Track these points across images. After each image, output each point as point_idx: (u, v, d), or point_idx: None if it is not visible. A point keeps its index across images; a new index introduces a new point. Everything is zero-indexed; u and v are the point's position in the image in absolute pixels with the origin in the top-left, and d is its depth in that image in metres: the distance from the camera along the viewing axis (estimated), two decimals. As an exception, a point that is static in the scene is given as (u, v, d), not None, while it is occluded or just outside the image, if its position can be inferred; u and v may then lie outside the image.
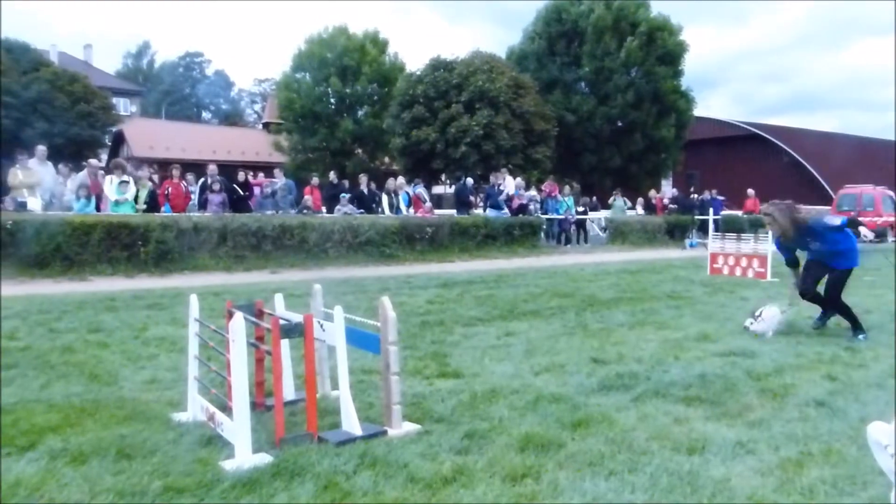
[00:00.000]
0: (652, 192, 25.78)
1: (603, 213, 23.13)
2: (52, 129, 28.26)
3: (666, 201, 24.74)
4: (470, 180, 21.50)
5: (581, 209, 21.38)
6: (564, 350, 5.61)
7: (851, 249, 6.31)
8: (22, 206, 12.75)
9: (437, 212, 19.52)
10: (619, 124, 31.81)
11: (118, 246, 12.06)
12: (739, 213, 24.29)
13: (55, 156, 15.51)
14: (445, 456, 3.19)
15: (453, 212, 19.53)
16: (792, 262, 6.61)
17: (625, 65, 31.02)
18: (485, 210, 19.22)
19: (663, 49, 31.21)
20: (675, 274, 12.05)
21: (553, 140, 29.65)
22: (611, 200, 24.05)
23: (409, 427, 3.57)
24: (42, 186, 13.51)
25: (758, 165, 37.29)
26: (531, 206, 19.65)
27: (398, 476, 2.96)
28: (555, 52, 32.79)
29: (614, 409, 3.95)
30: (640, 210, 24.21)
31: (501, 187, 19.62)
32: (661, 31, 31.40)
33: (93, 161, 15.67)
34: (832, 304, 6.39)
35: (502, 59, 32.35)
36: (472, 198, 20.55)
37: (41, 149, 14.18)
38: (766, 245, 11.19)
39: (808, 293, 6.46)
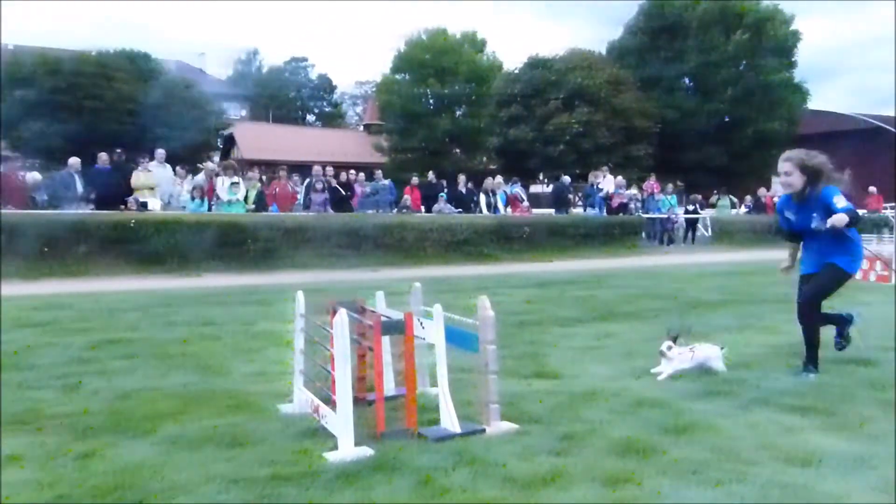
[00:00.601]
0: (761, 191, 24.52)
1: (708, 213, 22.28)
2: (170, 134, 30.04)
3: (776, 200, 23.49)
4: (567, 179, 21.22)
5: (691, 208, 20.66)
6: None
7: (858, 248, 4.85)
8: (143, 206, 13.64)
9: (534, 211, 19.39)
10: (726, 119, 30.53)
11: (228, 244, 12.69)
12: (861, 212, 22.75)
13: (172, 159, 16.48)
14: (543, 457, 3.17)
15: (551, 211, 19.35)
16: (788, 234, 5.09)
17: (732, 58, 29.72)
18: (584, 209, 18.92)
19: (773, 40, 29.68)
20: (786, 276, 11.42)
21: (654, 137, 28.83)
22: (714, 199, 23.11)
23: (507, 426, 3.57)
24: (161, 188, 14.40)
25: (880, 161, 34.79)
26: (631, 205, 19.18)
27: (495, 475, 2.96)
28: (657, 46, 31.86)
29: (719, 416, 3.79)
30: (745, 209, 23.12)
31: (600, 186, 19.26)
32: (770, 21, 29.89)
33: (208, 164, 16.56)
34: (805, 312, 4.77)
35: (602, 55, 31.74)
36: (569, 197, 20.28)
37: (160, 152, 15.13)
38: (891, 246, 10.44)
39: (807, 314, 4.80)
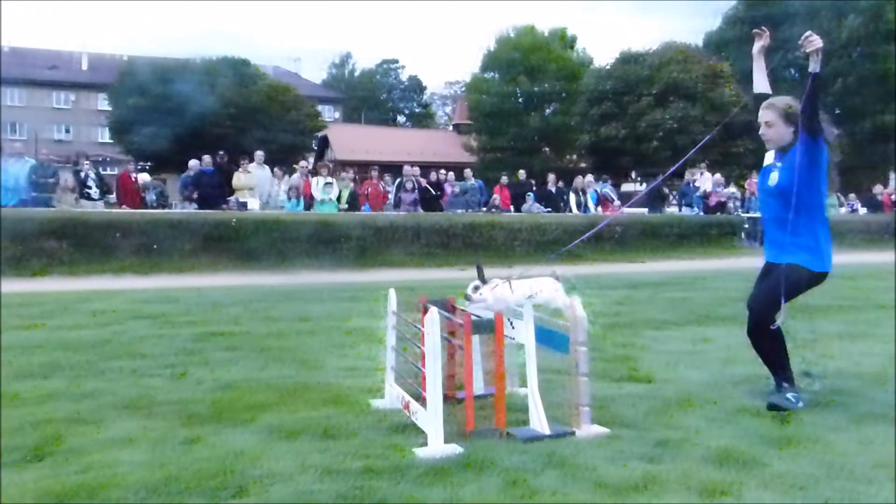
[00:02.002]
0: (878, 188, 22.84)
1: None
2: (268, 136, 31.21)
3: (895, 197, 21.88)
4: (655, 176, 20.66)
5: None
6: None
7: (823, 241, 3.86)
8: (243, 206, 14.25)
9: (626, 210, 18.96)
10: (837, 112, 28.83)
11: (323, 242, 13.07)
12: None
13: (270, 160, 17.14)
14: (635, 463, 3.09)
15: (644, 210, 18.86)
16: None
17: (844, 46, 27.99)
18: (679, 208, 18.35)
19: (891, 24, 27.73)
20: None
21: (756, 132, 27.62)
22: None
23: (597, 430, 3.50)
24: (260, 188, 15.00)
25: None
26: (730, 204, 18.43)
27: (585, 479, 2.91)
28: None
29: (829, 429, 3.57)
30: (858, 207, 21.70)
31: (697, 184, 18.61)
32: (889, 3, 27.94)
33: (302, 164, 17.13)
34: (753, 330, 3.93)
35: (698, 47, 30.67)
36: (665, 195, 19.72)
37: (259, 154, 15.76)
38: None
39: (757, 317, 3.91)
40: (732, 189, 19.68)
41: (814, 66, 3.56)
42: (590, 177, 19.32)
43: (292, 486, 2.80)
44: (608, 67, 30.14)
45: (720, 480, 2.88)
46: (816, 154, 3.73)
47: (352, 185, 15.94)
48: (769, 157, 4.08)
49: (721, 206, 18.07)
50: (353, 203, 15.27)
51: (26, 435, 3.41)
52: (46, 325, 6.65)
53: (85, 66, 49.86)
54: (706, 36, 32.92)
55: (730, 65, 28.64)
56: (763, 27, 4.28)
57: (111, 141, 37.85)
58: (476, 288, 3.85)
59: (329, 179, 15.38)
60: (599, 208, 17.71)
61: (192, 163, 15.02)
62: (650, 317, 7.23)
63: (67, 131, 49.37)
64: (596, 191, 18.12)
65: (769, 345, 3.94)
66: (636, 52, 29.41)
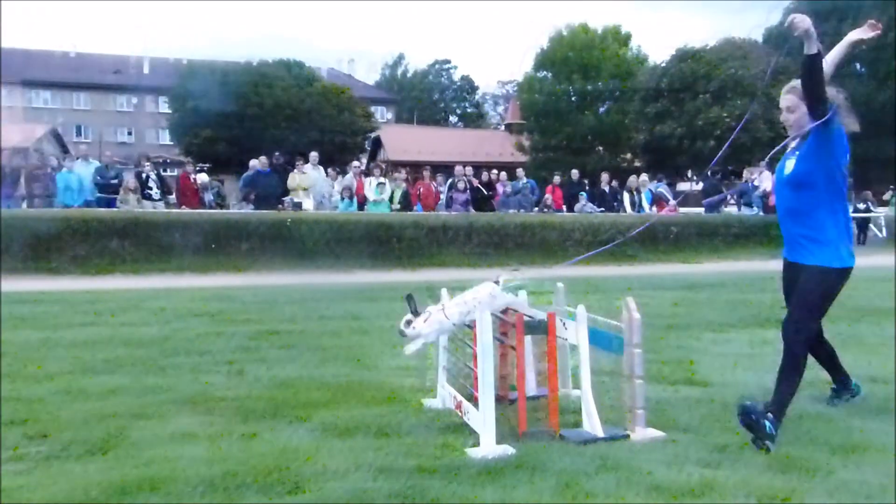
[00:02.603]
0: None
1: (882, 211, 20.27)
2: (322, 137, 31.71)
3: None
4: (712, 175, 20.15)
5: (862, 206, 18.91)
6: (828, 364, 5.01)
7: (838, 222, 3.54)
8: (298, 206, 14.49)
9: (681, 210, 18.58)
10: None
11: (376, 242, 13.19)
12: None
13: (324, 161, 17.40)
14: (692, 467, 3.02)
15: (700, 210, 18.45)
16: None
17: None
18: (738, 208, 17.89)
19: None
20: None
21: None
22: (887, 196, 20.95)
23: (653, 433, 3.44)
24: (315, 188, 15.23)
25: None
26: (791, 204, 17.85)
27: (640, 483, 2.87)
28: (822, 32, 29.42)
29: (886, 435, 3.42)
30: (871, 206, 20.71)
31: (756, 183, 18.09)
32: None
33: (355, 164, 17.34)
34: (791, 339, 3.55)
35: (758, 42, 29.84)
36: (724, 195, 19.24)
37: (314, 155, 16.00)
38: None
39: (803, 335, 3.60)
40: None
41: (808, 48, 3.34)
42: (644, 176, 18.98)
43: (346, 484, 2.84)
44: (664, 64, 29.58)
45: (781, 487, 2.80)
46: (829, 141, 3.43)
47: (404, 185, 16.05)
48: (792, 146, 3.84)
49: (782, 206, 17.54)
50: (406, 203, 15.37)
51: (92, 429, 3.54)
52: (112, 320, 6.89)
53: (147, 70, 51.54)
54: (766, 31, 31.98)
55: (792, 61, 27.77)
56: (878, 20, 3.95)
57: (171, 143, 39.03)
58: (408, 322, 3.59)
59: (382, 180, 15.53)
60: (654, 208, 17.39)
61: (253, 162, 15.38)
62: (708, 319, 7.07)
63: (130, 134, 51.13)
64: (651, 190, 17.81)
65: (821, 360, 3.86)
66: (693, 48, 28.78)
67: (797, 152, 3.65)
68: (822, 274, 3.47)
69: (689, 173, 30.17)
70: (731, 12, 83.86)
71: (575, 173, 18.73)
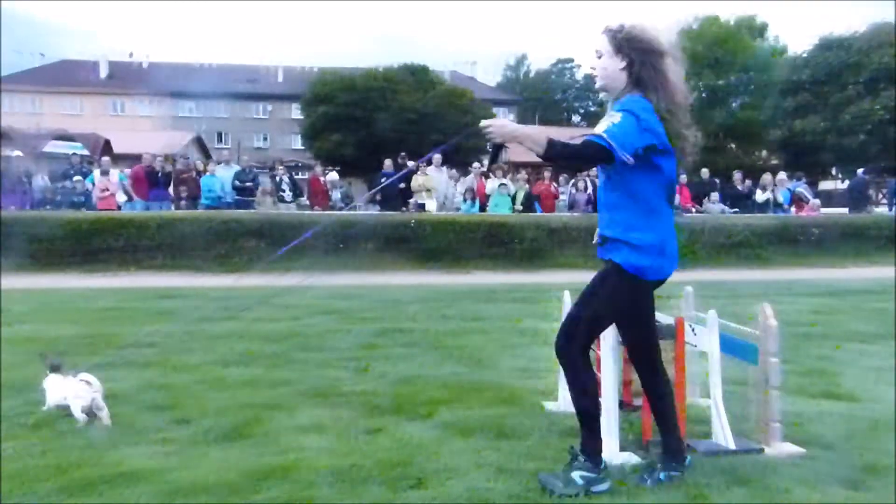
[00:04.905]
0: None
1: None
2: (444, 139, 32.18)
3: None
4: (862, 172, 18.57)
5: None
6: None
7: (655, 223, 2.78)
8: (420, 207, 14.78)
9: (824, 210, 17.31)
10: None
11: (496, 243, 13.22)
12: None
13: (446, 162, 17.61)
14: (834, 488, 2.81)
15: (845, 210, 17.11)
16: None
17: None
18: (889, 208, 16.46)
19: None
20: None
21: None
22: None
23: (790, 449, 3.23)
24: (437, 190, 15.48)
25: None
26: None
27: (775, 500, 2.70)
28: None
29: None
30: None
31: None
32: None
33: (476, 165, 17.46)
34: (561, 352, 2.88)
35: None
36: (869, 194, 17.76)
37: (437, 157, 16.25)
38: None
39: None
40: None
41: (534, 151, 2.62)
42: (782, 174, 17.84)
43: (467, 483, 2.86)
44: (805, 55, 27.71)
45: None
46: (631, 120, 2.61)
47: (526, 186, 15.98)
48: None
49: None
50: (529, 204, 15.30)
51: (229, 416, 3.77)
52: (238, 318, 7.32)
53: (280, 79, 54.35)
54: (924, 14, 29.24)
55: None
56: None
57: (302, 147, 40.94)
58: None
59: (504, 180, 15.55)
60: (793, 208, 16.32)
61: (388, 162, 15.90)
62: (852, 328, 6.56)
63: (265, 139, 54.12)
64: (789, 189, 16.72)
65: (576, 396, 2.89)
66: (839, 36, 26.75)
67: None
68: (614, 279, 2.83)
69: (834, 170, 28.08)
70: (882, -4, 77.17)
71: (705, 172, 17.92)
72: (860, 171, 18.85)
